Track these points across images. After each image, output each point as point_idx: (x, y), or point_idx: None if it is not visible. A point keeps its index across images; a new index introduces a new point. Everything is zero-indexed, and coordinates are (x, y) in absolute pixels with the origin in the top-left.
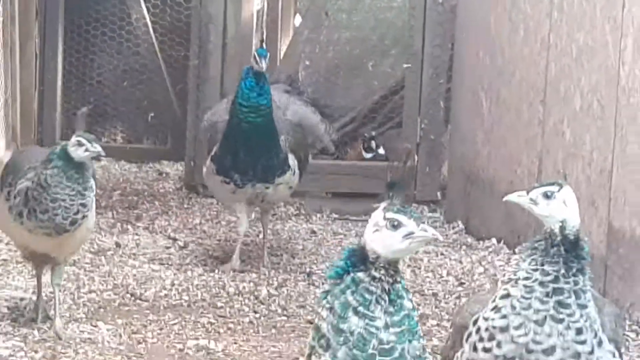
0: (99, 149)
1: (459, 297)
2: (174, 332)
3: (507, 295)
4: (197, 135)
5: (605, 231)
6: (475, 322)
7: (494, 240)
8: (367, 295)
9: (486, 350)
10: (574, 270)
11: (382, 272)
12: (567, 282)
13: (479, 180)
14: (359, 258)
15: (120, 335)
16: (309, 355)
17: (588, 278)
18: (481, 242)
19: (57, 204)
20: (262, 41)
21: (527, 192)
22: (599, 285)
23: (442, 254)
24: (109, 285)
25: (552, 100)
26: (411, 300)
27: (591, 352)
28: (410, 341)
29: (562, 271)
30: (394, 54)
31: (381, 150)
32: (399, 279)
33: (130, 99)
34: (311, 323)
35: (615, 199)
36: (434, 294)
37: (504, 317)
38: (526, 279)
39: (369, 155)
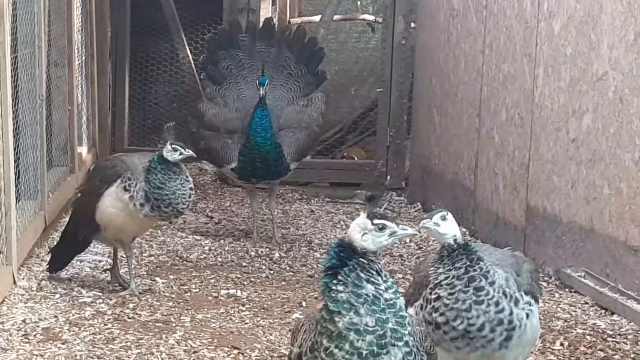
0: (191, 152)
1: (417, 257)
2: (210, 284)
3: (438, 297)
4: None
5: (524, 209)
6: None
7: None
8: (371, 271)
9: (436, 334)
10: (475, 259)
11: (372, 257)
12: (475, 270)
13: (432, 173)
14: (350, 251)
15: (172, 287)
16: (331, 319)
17: (486, 262)
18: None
19: (176, 195)
20: (262, 69)
21: (430, 218)
22: (520, 248)
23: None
24: (164, 251)
25: (485, 113)
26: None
27: (510, 313)
28: (399, 298)
29: (468, 263)
30: (370, 82)
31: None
32: (380, 261)
33: (178, 115)
34: (311, 277)
35: (531, 185)
36: (400, 255)
37: (442, 314)
38: (446, 278)
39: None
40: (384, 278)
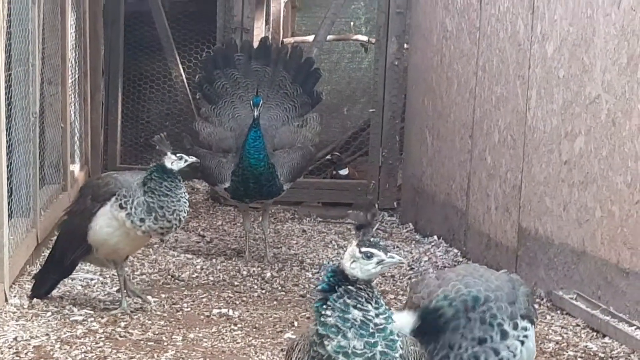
0: (194, 158)
1: (410, 278)
2: (202, 303)
3: None
4: None
5: (516, 230)
6: None
7: (435, 237)
8: (359, 298)
9: None
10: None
11: (363, 286)
12: None
13: (424, 193)
14: (342, 277)
15: (164, 306)
16: (321, 343)
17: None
18: (426, 238)
19: (181, 202)
20: (257, 90)
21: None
22: (511, 270)
23: (397, 246)
24: (155, 269)
25: (477, 135)
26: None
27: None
28: (392, 323)
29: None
30: (362, 102)
31: (343, 172)
32: (374, 289)
33: (171, 134)
34: (303, 297)
35: (523, 207)
36: (392, 276)
37: None
38: None
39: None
40: (374, 305)
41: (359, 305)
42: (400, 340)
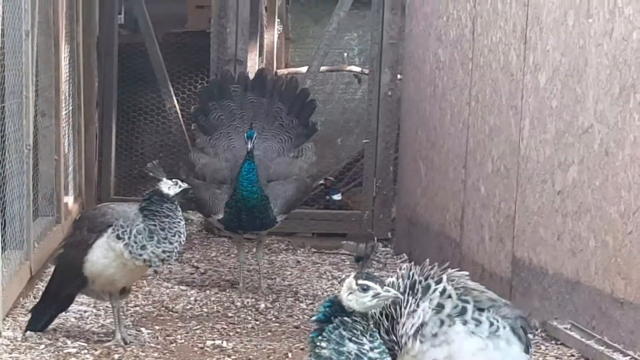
0: (187, 184)
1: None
2: (196, 334)
3: None
4: None
5: (510, 260)
6: None
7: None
8: (354, 331)
9: None
10: None
11: (359, 318)
12: None
13: (418, 224)
14: (338, 308)
15: (157, 337)
16: None
17: None
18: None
19: (181, 225)
20: (250, 123)
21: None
22: (507, 299)
23: (391, 277)
24: (149, 301)
25: (471, 165)
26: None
27: None
28: (387, 358)
29: None
30: (356, 132)
31: (336, 197)
32: (370, 321)
33: (165, 165)
34: (297, 328)
35: (517, 237)
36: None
37: None
38: None
39: (336, 196)
40: (370, 338)
41: (354, 338)
42: None
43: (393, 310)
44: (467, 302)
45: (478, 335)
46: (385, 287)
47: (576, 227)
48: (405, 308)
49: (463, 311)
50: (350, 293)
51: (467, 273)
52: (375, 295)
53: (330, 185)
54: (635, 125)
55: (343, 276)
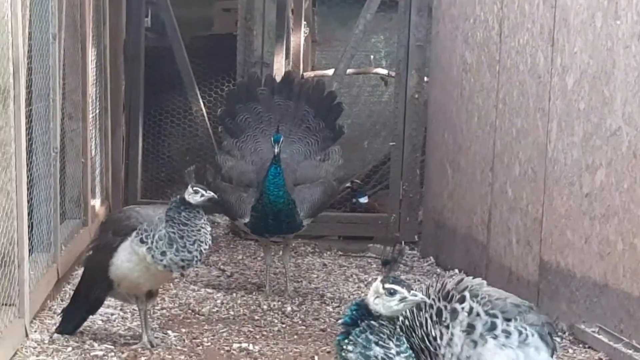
0: (211, 194)
1: None
2: (223, 337)
3: None
4: None
5: (537, 264)
6: None
7: (456, 271)
8: (381, 334)
9: None
10: None
11: (385, 322)
12: None
13: (445, 227)
14: (365, 311)
15: (184, 340)
16: None
17: None
18: (447, 272)
19: (201, 232)
20: (277, 127)
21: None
22: (533, 303)
23: (419, 280)
24: (176, 304)
25: (498, 168)
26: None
27: None
28: None
29: None
30: (383, 135)
31: (362, 200)
32: (397, 325)
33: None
34: (324, 331)
35: (545, 240)
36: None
37: None
38: None
39: (363, 200)
40: (396, 342)
41: (380, 342)
42: None
43: (430, 345)
44: (495, 316)
45: (509, 347)
46: (412, 292)
47: (604, 230)
48: (441, 339)
49: (493, 326)
50: (377, 297)
51: (483, 281)
52: (402, 300)
53: (357, 188)
54: None
55: (370, 279)
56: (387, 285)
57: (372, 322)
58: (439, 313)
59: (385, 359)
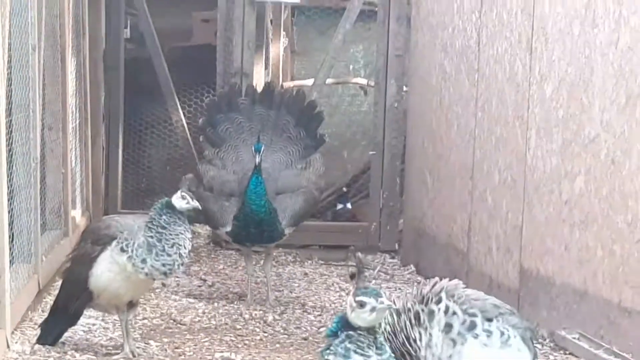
0: (196, 204)
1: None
2: (205, 347)
3: None
4: None
5: (518, 271)
6: None
7: (437, 278)
8: (359, 343)
9: None
10: None
11: (364, 332)
12: None
13: (425, 235)
14: (346, 324)
15: (166, 350)
16: None
17: None
18: (428, 280)
19: (179, 237)
20: (258, 136)
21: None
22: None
23: (399, 289)
24: (157, 314)
25: (477, 176)
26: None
27: None
28: None
29: None
30: (362, 144)
31: (349, 205)
32: (378, 334)
33: (172, 179)
34: (305, 340)
35: (525, 247)
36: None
37: None
38: None
39: (340, 206)
40: (377, 351)
41: (359, 350)
42: None
43: (410, 348)
44: (474, 315)
45: (490, 346)
46: (380, 300)
47: (583, 237)
48: (420, 341)
49: (472, 325)
50: (352, 310)
51: (459, 282)
52: (373, 309)
53: (341, 195)
54: None
55: (350, 287)
56: (357, 299)
57: (351, 332)
58: (417, 315)
59: None
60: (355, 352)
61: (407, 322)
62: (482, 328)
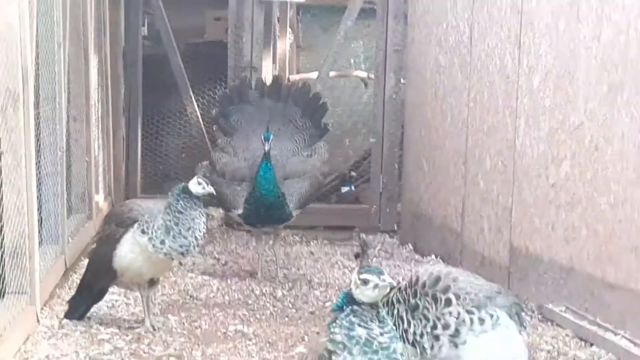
0: (212, 190)
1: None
2: (219, 320)
3: None
4: None
5: (508, 249)
6: None
7: (433, 257)
8: (363, 317)
9: None
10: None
11: (368, 307)
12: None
13: (422, 217)
14: (351, 299)
15: (184, 324)
16: (329, 358)
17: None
18: (425, 258)
19: (195, 221)
20: (267, 126)
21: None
22: (504, 286)
23: (398, 266)
24: (175, 290)
25: (470, 162)
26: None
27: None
28: (396, 343)
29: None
30: (363, 133)
31: (353, 187)
32: (380, 309)
33: (187, 166)
34: (312, 314)
35: (514, 227)
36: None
37: None
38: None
39: (345, 189)
40: (379, 324)
41: (362, 324)
42: (404, 357)
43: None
44: (472, 312)
45: (484, 332)
46: (382, 277)
47: (569, 217)
48: (431, 349)
49: (471, 322)
50: (357, 287)
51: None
52: (375, 287)
53: (347, 179)
54: (622, 122)
55: (354, 265)
56: (361, 277)
57: (355, 307)
58: (434, 325)
59: (369, 338)
60: (359, 325)
61: (419, 325)
62: (477, 317)
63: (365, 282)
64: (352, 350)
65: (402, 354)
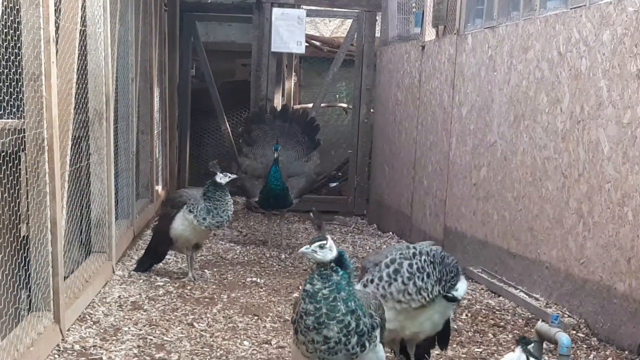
0: (233, 176)
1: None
2: (240, 274)
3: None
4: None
5: (442, 228)
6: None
7: (391, 233)
8: (317, 275)
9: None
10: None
11: (323, 267)
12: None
13: (384, 205)
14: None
15: (215, 276)
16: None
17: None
18: (385, 233)
19: (228, 205)
20: (277, 139)
21: (310, 245)
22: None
23: (366, 239)
24: (210, 253)
25: (418, 167)
26: (340, 276)
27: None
28: (339, 292)
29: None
30: (344, 146)
31: (337, 184)
32: (334, 266)
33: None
34: (305, 271)
35: (447, 213)
36: (363, 257)
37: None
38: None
39: (333, 184)
40: (322, 280)
41: (314, 281)
42: (352, 298)
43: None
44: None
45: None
46: (314, 245)
47: (485, 206)
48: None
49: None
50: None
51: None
52: (314, 250)
53: (332, 177)
54: (523, 141)
55: (335, 237)
56: (314, 244)
57: (321, 268)
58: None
59: (315, 291)
60: (310, 282)
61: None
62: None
63: (321, 247)
64: (305, 299)
65: (347, 298)
